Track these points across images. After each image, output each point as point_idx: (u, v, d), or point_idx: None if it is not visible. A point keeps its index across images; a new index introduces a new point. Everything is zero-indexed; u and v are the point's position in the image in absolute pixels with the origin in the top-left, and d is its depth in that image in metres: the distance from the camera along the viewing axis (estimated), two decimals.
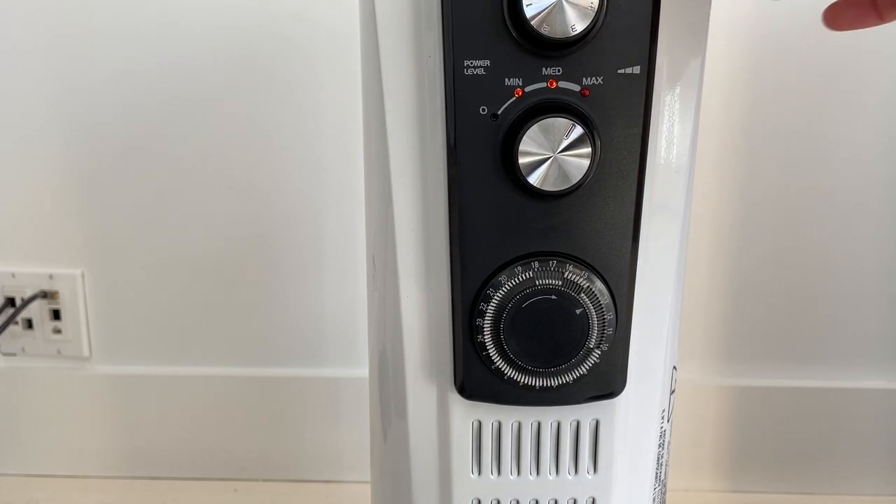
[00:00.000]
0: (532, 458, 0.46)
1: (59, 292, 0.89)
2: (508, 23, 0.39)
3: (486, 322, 0.43)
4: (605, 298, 0.42)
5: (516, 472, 0.47)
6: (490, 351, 0.43)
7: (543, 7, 0.38)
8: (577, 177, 0.41)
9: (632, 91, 0.41)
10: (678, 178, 0.44)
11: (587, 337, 0.43)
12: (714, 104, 0.82)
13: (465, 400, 0.45)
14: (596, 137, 0.40)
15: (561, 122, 0.40)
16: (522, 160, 0.40)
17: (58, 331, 0.90)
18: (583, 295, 0.42)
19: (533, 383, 0.43)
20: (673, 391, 0.49)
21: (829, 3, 0.41)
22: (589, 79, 0.40)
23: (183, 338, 0.90)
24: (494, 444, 0.46)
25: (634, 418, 0.47)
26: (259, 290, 0.89)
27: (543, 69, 0.40)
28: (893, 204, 0.84)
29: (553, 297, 0.42)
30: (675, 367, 0.49)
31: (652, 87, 0.41)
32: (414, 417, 0.46)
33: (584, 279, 0.42)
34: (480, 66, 0.40)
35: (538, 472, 0.47)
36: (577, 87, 0.40)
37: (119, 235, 0.88)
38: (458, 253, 0.43)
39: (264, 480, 0.93)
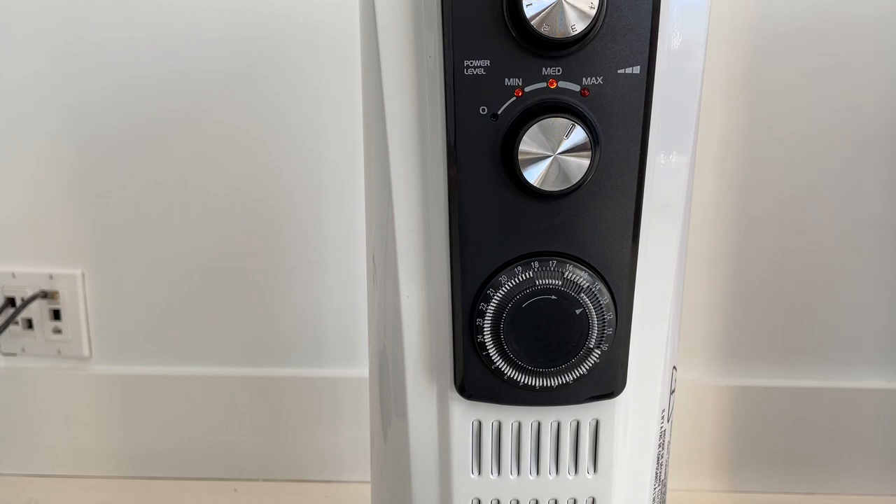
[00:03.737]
0: (532, 458, 0.46)
1: (59, 292, 0.89)
2: (508, 23, 0.39)
3: (486, 322, 0.43)
4: (605, 298, 0.42)
5: (516, 472, 0.47)
6: (490, 351, 0.43)
7: (543, 7, 0.38)
8: (577, 177, 0.41)
9: (632, 91, 0.41)
10: (678, 178, 0.44)
11: (587, 337, 0.43)
12: (714, 104, 0.82)
13: (465, 400, 0.45)
14: (596, 137, 0.40)
15: (561, 122, 0.40)
16: (522, 160, 0.40)
17: (58, 331, 0.90)
18: (583, 295, 0.42)
19: (533, 383, 0.43)
20: (673, 391, 0.49)
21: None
22: (589, 79, 0.40)
23: (183, 338, 0.90)
24: (494, 444, 0.46)
25: (634, 418, 0.47)
26: (259, 290, 0.89)
27: (543, 69, 0.40)
28: (894, 204, 0.84)
29: (553, 297, 0.42)
30: (675, 367, 0.49)
31: (652, 87, 0.41)
32: (414, 417, 0.46)
33: (584, 279, 0.42)
34: (480, 66, 0.40)
35: (538, 472, 0.47)
36: (577, 87, 0.40)
37: (119, 235, 0.88)
38: (459, 253, 0.43)
39: (264, 480, 0.93)
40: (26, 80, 0.84)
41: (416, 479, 0.47)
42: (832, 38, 0.80)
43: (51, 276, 0.89)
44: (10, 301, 0.89)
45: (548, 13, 0.38)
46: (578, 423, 0.46)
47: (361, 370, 0.87)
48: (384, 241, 0.45)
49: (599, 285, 0.42)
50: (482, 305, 0.42)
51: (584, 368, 0.43)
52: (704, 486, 0.91)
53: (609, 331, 0.43)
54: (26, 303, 0.88)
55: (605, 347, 0.43)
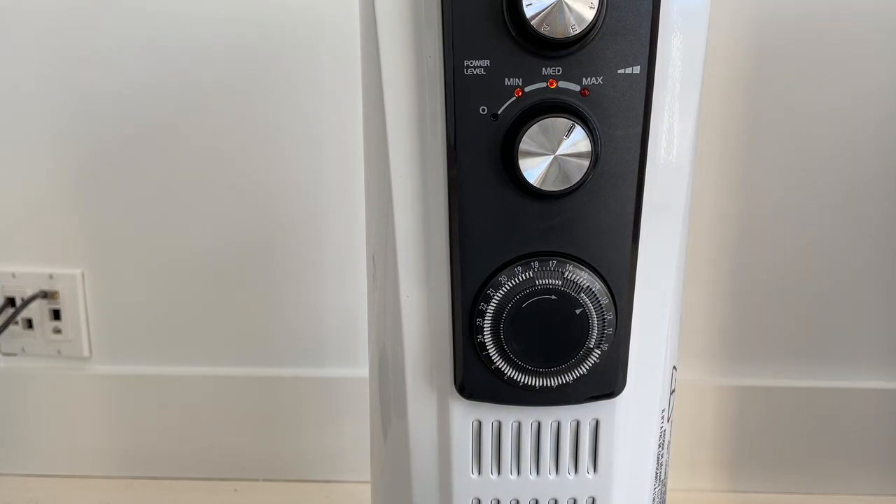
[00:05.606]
0: (532, 457, 0.47)
1: (59, 292, 0.89)
2: (508, 23, 0.39)
3: (486, 322, 0.43)
4: (605, 298, 0.42)
5: (516, 472, 0.47)
6: (490, 351, 0.43)
7: (543, 7, 0.38)
8: (577, 177, 0.41)
9: (632, 91, 0.41)
10: (678, 178, 0.44)
11: (587, 337, 0.43)
12: (714, 104, 0.82)
13: (465, 400, 0.45)
14: (596, 137, 0.40)
15: (561, 122, 0.40)
16: (522, 160, 0.40)
17: (58, 331, 0.90)
18: (583, 295, 0.42)
19: (533, 383, 0.43)
20: (673, 391, 0.49)
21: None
22: (589, 79, 0.40)
23: (183, 338, 0.90)
24: (494, 444, 0.46)
25: (634, 418, 0.47)
26: (259, 289, 0.89)
27: (543, 69, 0.40)
28: (893, 204, 0.84)
29: (553, 297, 0.42)
30: (674, 367, 0.49)
31: (652, 87, 0.41)
32: (414, 417, 0.46)
33: (584, 279, 0.42)
34: (480, 66, 0.40)
35: (538, 472, 0.47)
36: (577, 87, 0.40)
37: (119, 235, 0.88)
38: (458, 253, 0.43)
39: (264, 480, 0.93)
40: (27, 81, 0.84)
41: (416, 479, 0.47)
42: (832, 38, 0.80)
43: (51, 276, 0.89)
44: (10, 301, 0.89)
45: (548, 13, 0.38)
46: (578, 423, 0.46)
47: (361, 370, 0.87)
48: (384, 241, 0.45)
49: (599, 285, 0.42)
50: (482, 305, 0.42)
51: (583, 368, 0.43)
52: (704, 486, 0.91)
53: (609, 331, 0.43)
54: (26, 303, 0.88)
55: (604, 347, 0.43)
